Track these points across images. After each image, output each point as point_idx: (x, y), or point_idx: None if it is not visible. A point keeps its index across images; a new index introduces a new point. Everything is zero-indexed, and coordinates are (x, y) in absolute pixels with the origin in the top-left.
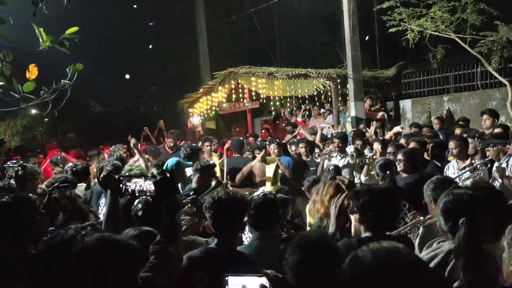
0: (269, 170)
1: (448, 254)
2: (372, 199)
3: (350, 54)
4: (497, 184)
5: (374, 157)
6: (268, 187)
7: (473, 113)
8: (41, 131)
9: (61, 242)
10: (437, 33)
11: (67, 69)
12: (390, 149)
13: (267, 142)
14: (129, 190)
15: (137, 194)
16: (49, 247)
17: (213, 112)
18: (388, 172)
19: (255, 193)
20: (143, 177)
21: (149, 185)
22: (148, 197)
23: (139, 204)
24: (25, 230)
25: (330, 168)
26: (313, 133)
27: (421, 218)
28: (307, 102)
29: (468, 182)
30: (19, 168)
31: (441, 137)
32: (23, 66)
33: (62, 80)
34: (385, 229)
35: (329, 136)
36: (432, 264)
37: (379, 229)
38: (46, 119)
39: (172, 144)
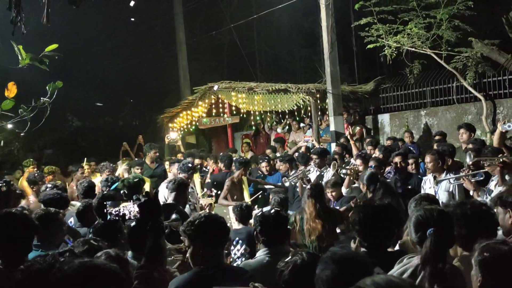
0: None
1: (417, 268)
2: (367, 215)
3: (329, 70)
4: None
5: (356, 168)
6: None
7: (449, 127)
8: (18, 147)
9: (39, 271)
10: (413, 49)
11: (47, 87)
12: (371, 163)
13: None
14: (119, 214)
15: (126, 218)
16: (27, 276)
17: (193, 127)
18: (378, 184)
19: (265, 209)
20: (131, 201)
21: (136, 208)
22: (133, 221)
23: (133, 222)
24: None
25: (307, 188)
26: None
27: None
28: (287, 116)
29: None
30: (3, 184)
31: (414, 151)
32: (2, 84)
33: (42, 98)
34: (379, 244)
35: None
36: None
37: (373, 244)
38: (22, 134)
39: (156, 155)
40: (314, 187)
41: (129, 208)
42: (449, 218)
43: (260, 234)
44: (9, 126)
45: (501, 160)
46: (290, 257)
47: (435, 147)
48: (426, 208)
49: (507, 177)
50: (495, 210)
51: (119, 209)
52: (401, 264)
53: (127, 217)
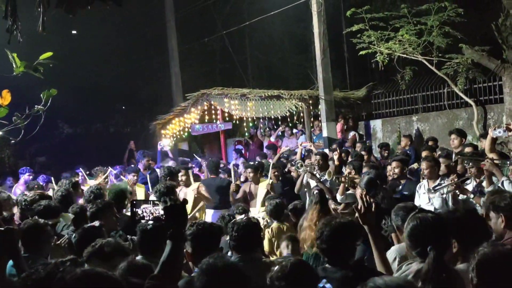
0: (261, 192)
1: (417, 274)
2: (330, 233)
3: (321, 76)
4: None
5: (351, 176)
6: (257, 209)
7: (441, 132)
8: (9, 154)
9: (37, 280)
10: (405, 55)
11: (41, 95)
12: (365, 170)
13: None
14: (139, 216)
15: (148, 220)
16: (27, 285)
17: (186, 134)
18: (377, 189)
19: (239, 217)
20: (151, 203)
21: (157, 211)
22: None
23: (150, 221)
24: None
25: (315, 193)
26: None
27: None
28: (280, 123)
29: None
30: None
31: (411, 155)
32: None
33: (36, 106)
34: (341, 260)
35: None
36: None
37: (335, 260)
38: (13, 142)
39: (149, 162)
40: (321, 192)
41: (150, 210)
42: (444, 224)
43: (231, 240)
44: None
45: (485, 161)
46: (276, 266)
47: (424, 154)
48: (420, 217)
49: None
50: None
51: (140, 211)
52: (401, 271)
53: (145, 219)
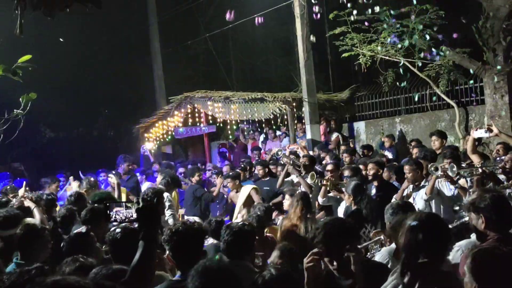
0: (241, 199)
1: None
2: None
3: (304, 78)
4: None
5: (333, 179)
6: (235, 215)
7: (424, 133)
8: None
9: None
10: (387, 58)
11: (21, 99)
12: (346, 173)
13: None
14: (112, 218)
15: (119, 222)
16: None
17: (169, 137)
18: (363, 195)
19: (234, 221)
20: (124, 205)
21: (129, 214)
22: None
23: (118, 229)
24: None
25: (299, 190)
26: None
27: (381, 237)
28: (264, 125)
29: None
30: None
31: (390, 156)
32: None
33: (15, 110)
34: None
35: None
36: None
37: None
38: None
39: (130, 168)
40: (304, 192)
41: (123, 213)
42: (439, 227)
43: (223, 243)
44: None
45: (479, 170)
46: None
47: (414, 153)
48: (419, 216)
49: None
50: (468, 216)
51: (113, 213)
52: (396, 274)
53: (118, 221)
